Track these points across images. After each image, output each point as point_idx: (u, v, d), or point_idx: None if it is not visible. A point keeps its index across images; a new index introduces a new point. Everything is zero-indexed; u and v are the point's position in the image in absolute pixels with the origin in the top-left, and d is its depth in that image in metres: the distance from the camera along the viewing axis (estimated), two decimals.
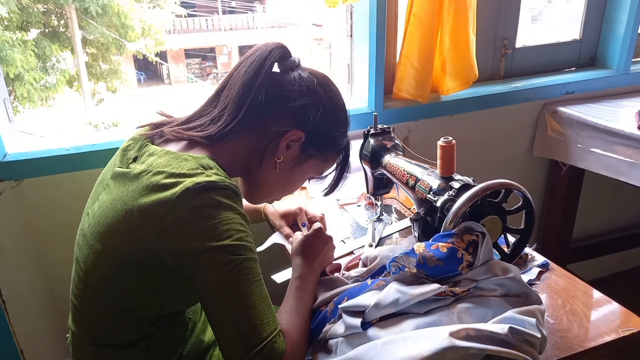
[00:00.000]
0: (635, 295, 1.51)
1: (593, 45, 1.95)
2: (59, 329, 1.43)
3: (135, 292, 0.79)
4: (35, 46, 6.59)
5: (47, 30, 6.99)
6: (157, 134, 0.87)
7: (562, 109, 1.76)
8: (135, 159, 0.83)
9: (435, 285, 0.71)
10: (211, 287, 0.71)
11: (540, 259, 0.98)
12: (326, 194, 1.01)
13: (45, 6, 6.86)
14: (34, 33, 6.88)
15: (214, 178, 0.74)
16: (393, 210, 1.24)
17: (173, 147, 0.83)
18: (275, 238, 1.12)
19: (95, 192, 0.88)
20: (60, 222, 1.31)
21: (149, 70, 11.45)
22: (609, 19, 1.88)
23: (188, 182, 0.72)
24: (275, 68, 0.88)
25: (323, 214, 1.14)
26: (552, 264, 0.97)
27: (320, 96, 0.86)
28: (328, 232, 1.00)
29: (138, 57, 7.93)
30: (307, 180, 0.97)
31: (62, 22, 7.09)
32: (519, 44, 1.83)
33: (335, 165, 0.97)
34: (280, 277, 1.00)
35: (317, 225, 0.98)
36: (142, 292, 0.80)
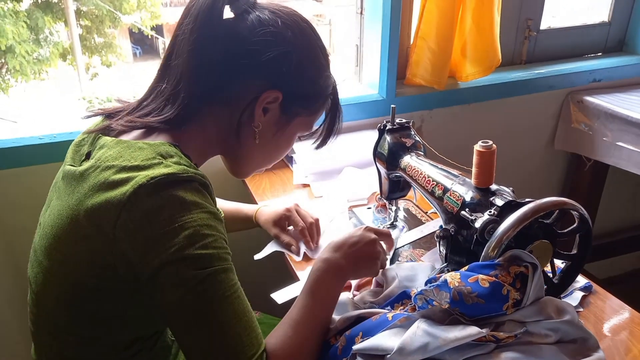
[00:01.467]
0: None
1: (622, 29, 1.79)
2: (29, 330, 1.31)
3: (95, 318, 0.66)
4: (27, 17, 6.38)
5: (39, 1, 6.76)
6: (110, 125, 0.70)
7: (589, 98, 1.61)
8: (88, 155, 0.67)
9: (474, 329, 0.57)
10: (174, 310, 0.58)
11: (582, 280, 0.84)
12: (318, 147, 0.83)
13: None
14: (26, 4, 6.65)
15: (173, 169, 0.59)
16: (402, 209, 1.10)
17: (127, 137, 0.68)
18: (275, 246, 0.98)
19: (49, 197, 0.73)
20: (30, 218, 1.16)
21: (145, 44, 11.17)
22: None
23: (141, 177, 0.58)
24: (228, 13, 0.69)
25: (317, 218, 0.98)
26: (595, 286, 0.84)
27: (290, 41, 0.68)
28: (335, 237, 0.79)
29: (133, 30, 7.69)
30: (297, 139, 0.80)
31: None
32: (543, 25, 1.67)
33: (324, 114, 0.80)
34: (281, 296, 0.86)
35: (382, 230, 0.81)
36: (104, 317, 0.66)
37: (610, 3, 1.74)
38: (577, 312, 0.79)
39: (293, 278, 0.92)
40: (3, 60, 6.18)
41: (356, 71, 1.54)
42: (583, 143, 1.64)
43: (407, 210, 1.11)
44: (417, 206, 1.12)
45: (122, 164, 0.60)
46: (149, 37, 8.52)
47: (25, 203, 1.14)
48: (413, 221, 1.07)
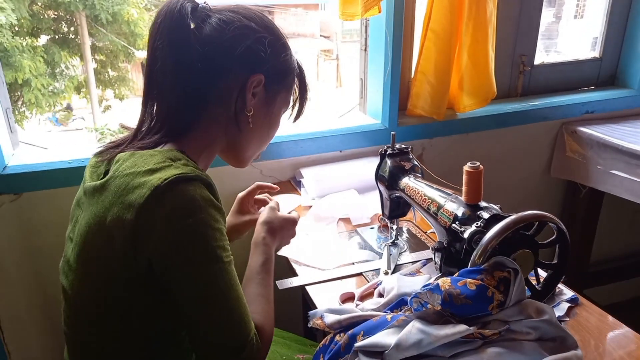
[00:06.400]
0: None
1: (613, 64, 1.90)
2: (55, 348, 1.38)
3: (126, 313, 0.73)
4: (44, 52, 6.63)
5: (57, 37, 7.03)
6: (123, 150, 0.78)
7: (582, 128, 1.70)
8: (106, 174, 0.76)
9: (462, 327, 0.64)
10: (188, 298, 0.68)
11: (568, 293, 0.91)
12: (295, 119, 0.93)
13: (56, 13, 6.92)
14: (43, 39, 6.92)
15: (182, 169, 0.68)
16: (405, 231, 1.18)
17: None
18: None
19: (74, 215, 0.81)
20: (60, 238, 1.24)
21: None
22: (630, 37, 1.83)
23: (155, 179, 0.66)
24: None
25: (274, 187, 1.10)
26: (581, 299, 0.91)
27: (256, 29, 0.77)
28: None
29: None
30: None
31: (72, 29, 7.13)
32: (537, 61, 1.78)
33: (296, 90, 0.90)
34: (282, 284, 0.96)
35: (273, 203, 0.96)
36: (134, 313, 0.73)
37: (601, 40, 1.85)
38: (564, 321, 0.85)
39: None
40: (19, 93, 6.40)
41: (361, 102, 1.64)
42: (578, 171, 1.72)
43: (408, 231, 1.19)
44: (417, 226, 1.20)
45: (137, 170, 0.69)
46: None
47: (54, 221, 1.24)
48: (414, 240, 1.14)
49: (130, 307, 0.72)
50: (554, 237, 0.75)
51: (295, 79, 0.87)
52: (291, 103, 0.90)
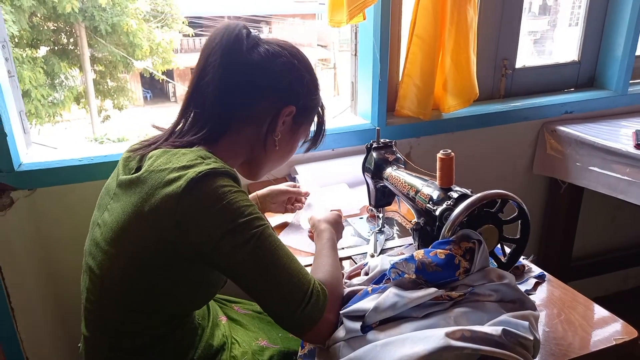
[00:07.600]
0: (637, 314, 1.52)
1: (591, 67, 2.00)
2: (65, 337, 1.46)
3: (151, 292, 0.81)
4: (44, 63, 6.71)
5: (56, 48, 7.11)
6: (152, 150, 0.87)
7: (561, 128, 1.80)
8: (138, 169, 0.85)
9: (432, 289, 0.73)
10: (242, 268, 0.75)
11: (536, 270, 1.00)
12: (307, 150, 1.04)
13: (56, 24, 7.01)
14: (43, 50, 7.02)
15: (213, 166, 0.77)
16: (394, 223, 1.27)
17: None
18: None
19: (103, 203, 0.89)
20: (71, 231, 1.34)
21: (155, 88, 11.57)
22: (607, 41, 1.94)
23: (191, 173, 0.75)
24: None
25: (307, 192, 1.31)
26: (548, 276, 1.00)
27: (298, 67, 0.89)
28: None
29: (145, 75, 8.03)
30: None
31: (71, 40, 7.22)
32: (518, 64, 1.88)
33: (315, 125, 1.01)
34: None
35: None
36: (159, 292, 0.82)
37: (579, 45, 1.96)
38: (531, 294, 0.95)
39: None
40: None
41: (352, 104, 1.74)
42: (558, 168, 1.82)
43: (395, 221, 1.28)
44: (403, 217, 1.29)
45: (172, 166, 0.78)
46: (160, 81, 8.87)
47: (66, 215, 1.33)
48: (399, 228, 1.24)
49: (153, 288, 0.81)
50: (515, 214, 0.85)
51: (316, 116, 0.99)
52: (311, 137, 1.01)
